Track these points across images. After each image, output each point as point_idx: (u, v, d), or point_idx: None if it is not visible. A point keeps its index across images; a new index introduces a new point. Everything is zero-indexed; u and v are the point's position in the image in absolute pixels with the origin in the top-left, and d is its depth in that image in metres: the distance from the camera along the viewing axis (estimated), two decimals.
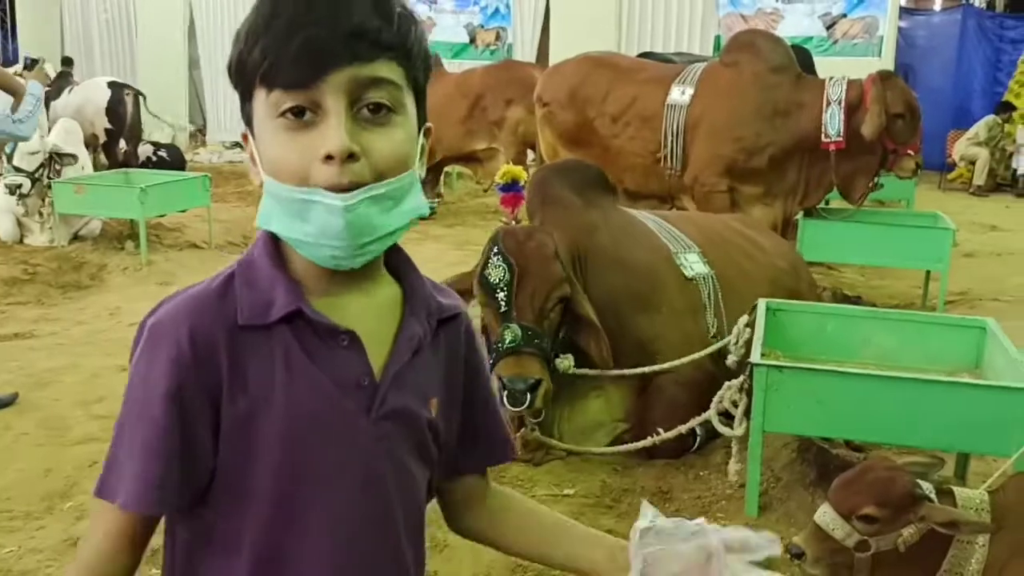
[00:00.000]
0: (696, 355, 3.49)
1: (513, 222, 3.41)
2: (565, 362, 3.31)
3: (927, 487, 2.16)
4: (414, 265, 1.10)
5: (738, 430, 3.12)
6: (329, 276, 0.99)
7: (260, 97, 0.94)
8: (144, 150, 10.55)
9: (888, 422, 2.94)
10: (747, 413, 3.06)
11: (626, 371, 3.47)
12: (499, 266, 3.15)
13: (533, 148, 7.55)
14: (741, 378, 3.14)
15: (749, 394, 3.05)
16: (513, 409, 3.08)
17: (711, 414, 3.24)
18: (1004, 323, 3.49)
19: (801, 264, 4.68)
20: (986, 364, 3.32)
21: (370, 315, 1.03)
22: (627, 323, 3.55)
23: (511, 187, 3.15)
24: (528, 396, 3.07)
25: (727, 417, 3.26)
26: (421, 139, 1.02)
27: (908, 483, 2.15)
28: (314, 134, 0.92)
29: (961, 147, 12.26)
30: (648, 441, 3.41)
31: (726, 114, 5.71)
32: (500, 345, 3.10)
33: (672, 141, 5.85)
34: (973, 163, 12.08)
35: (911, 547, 2.11)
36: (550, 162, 5.74)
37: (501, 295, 3.14)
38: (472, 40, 14.05)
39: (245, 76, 0.95)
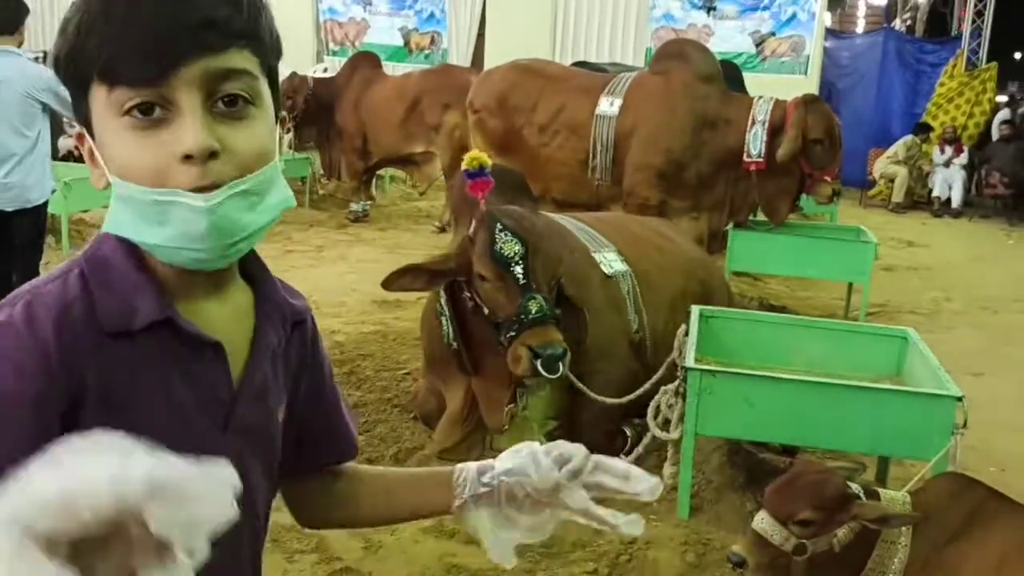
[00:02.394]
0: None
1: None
2: None
3: (856, 487, 2.24)
4: (267, 267, 1.05)
5: (674, 434, 3.18)
6: (189, 280, 0.93)
7: (99, 94, 0.86)
8: (65, 143, 10.24)
9: (815, 426, 3.04)
10: (682, 417, 3.13)
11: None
12: (511, 241, 3.16)
13: None
14: (676, 383, 3.20)
15: (685, 398, 3.11)
16: (549, 376, 3.11)
17: (649, 419, 3.29)
18: (920, 335, 3.63)
19: (709, 259, 4.82)
20: (906, 372, 3.45)
21: (227, 322, 0.97)
22: None
23: (479, 173, 3.12)
24: (560, 364, 3.10)
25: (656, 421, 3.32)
26: (278, 129, 0.97)
27: (840, 484, 2.22)
28: (167, 133, 0.85)
29: (881, 165, 12.70)
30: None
31: (656, 123, 5.75)
32: (525, 316, 3.10)
33: (601, 152, 5.88)
34: (892, 181, 12.52)
35: (842, 547, 2.19)
36: None
37: (518, 268, 3.14)
38: (406, 44, 14.01)
39: (78, 71, 0.87)
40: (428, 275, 3.31)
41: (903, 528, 2.24)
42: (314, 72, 10.30)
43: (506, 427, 3.44)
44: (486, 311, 3.22)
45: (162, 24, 0.83)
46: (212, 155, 0.85)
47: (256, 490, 1.01)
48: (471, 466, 1.08)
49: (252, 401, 0.98)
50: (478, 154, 3.11)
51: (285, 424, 1.06)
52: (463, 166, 3.12)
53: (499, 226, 3.18)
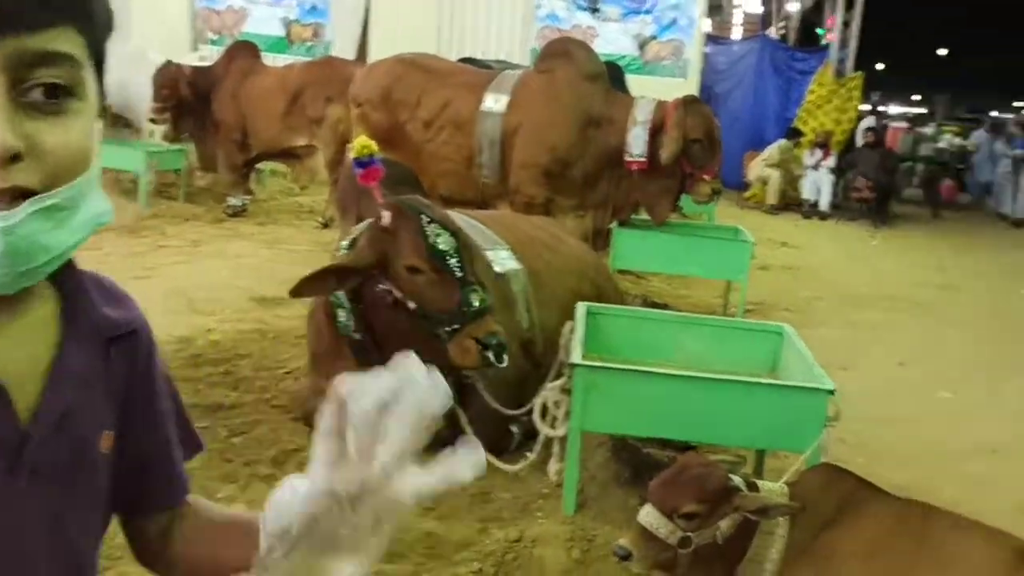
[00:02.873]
0: None
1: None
2: None
3: (737, 480, 2.28)
4: (77, 271, 0.88)
5: (560, 431, 3.18)
6: None
7: None
8: None
9: (695, 420, 3.09)
10: (568, 414, 3.13)
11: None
12: (442, 233, 3.07)
13: None
14: (563, 379, 3.20)
15: (571, 394, 3.11)
16: (499, 365, 3.07)
17: (536, 416, 3.28)
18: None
19: (601, 261, 4.90)
20: (782, 367, 3.55)
21: (15, 346, 0.81)
22: None
23: (369, 161, 2.99)
24: (504, 354, 3.07)
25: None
26: (100, 125, 0.81)
27: (723, 476, 2.26)
28: None
29: (756, 168, 13.16)
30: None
31: (541, 122, 5.76)
32: (467, 308, 3.04)
33: (487, 149, 5.85)
34: (766, 183, 12.99)
35: (724, 539, 2.23)
36: None
37: (454, 261, 3.06)
38: (288, 35, 13.66)
39: None
40: (340, 274, 3.17)
41: (780, 519, 2.29)
42: (190, 62, 9.91)
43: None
44: (411, 305, 3.11)
45: None
46: (15, 158, 0.70)
47: (71, 533, 0.86)
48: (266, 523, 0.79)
49: (50, 436, 0.81)
50: (367, 141, 2.99)
51: (115, 453, 0.91)
52: (352, 154, 3.01)
53: (426, 219, 3.10)
